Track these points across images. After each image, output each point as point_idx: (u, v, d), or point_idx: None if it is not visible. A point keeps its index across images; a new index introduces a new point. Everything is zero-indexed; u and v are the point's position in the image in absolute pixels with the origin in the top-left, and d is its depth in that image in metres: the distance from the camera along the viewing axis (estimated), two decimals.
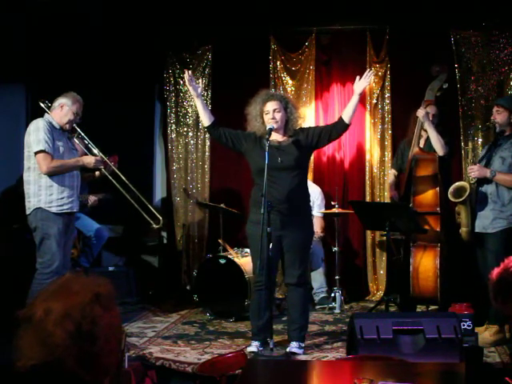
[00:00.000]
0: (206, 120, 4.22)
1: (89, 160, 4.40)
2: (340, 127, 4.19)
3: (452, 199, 4.61)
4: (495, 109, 4.50)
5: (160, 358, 3.98)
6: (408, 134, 5.31)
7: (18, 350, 1.33)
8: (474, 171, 4.41)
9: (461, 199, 4.52)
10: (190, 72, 4.13)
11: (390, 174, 5.57)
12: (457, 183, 4.68)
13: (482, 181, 4.43)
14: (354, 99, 4.12)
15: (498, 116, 4.45)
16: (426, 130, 5.08)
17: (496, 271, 1.97)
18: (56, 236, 4.26)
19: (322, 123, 6.29)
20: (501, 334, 4.32)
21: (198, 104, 4.20)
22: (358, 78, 4.13)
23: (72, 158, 4.39)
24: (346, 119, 4.13)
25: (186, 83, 4.16)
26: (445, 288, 4.78)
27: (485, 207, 4.41)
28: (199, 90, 4.17)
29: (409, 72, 5.99)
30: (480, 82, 5.86)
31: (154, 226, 4.64)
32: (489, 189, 4.41)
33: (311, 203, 5.85)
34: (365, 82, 4.08)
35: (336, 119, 6.11)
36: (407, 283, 4.86)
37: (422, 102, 5.11)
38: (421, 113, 5.01)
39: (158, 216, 4.67)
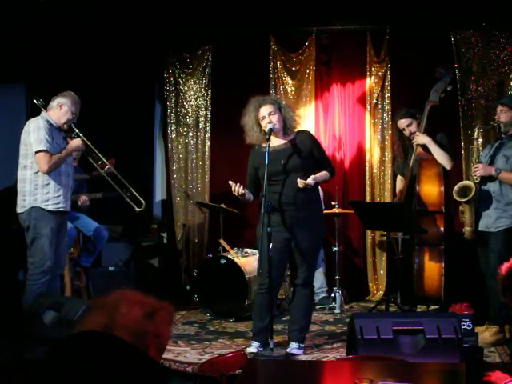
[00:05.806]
0: (253, 200, 4.26)
1: (76, 143, 4.38)
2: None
3: (457, 198, 4.57)
4: (499, 108, 4.47)
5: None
6: (394, 143, 5.40)
7: (80, 323, 1.63)
8: (478, 170, 4.40)
9: (466, 199, 4.50)
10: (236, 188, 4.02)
11: (398, 180, 5.54)
12: (462, 182, 4.65)
13: (486, 179, 4.41)
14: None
15: (503, 115, 4.42)
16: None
17: (506, 266, 1.97)
18: (49, 235, 4.25)
19: (322, 123, 6.30)
20: (501, 334, 4.32)
21: (246, 199, 4.18)
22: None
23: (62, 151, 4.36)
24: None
25: (239, 194, 4.04)
26: (448, 288, 4.78)
27: (488, 206, 4.39)
28: (247, 193, 4.11)
29: (409, 72, 5.98)
30: (480, 81, 5.86)
31: (137, 209, 4.60)
32: (492, 187, 4.39)
33: None
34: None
35: (335, 121, 6.25)
36: (408, 282, 4.85)
37: (425, 102, 5.00)
38: (425, 139, 4.91)
39: (141, 200, 4.60)
